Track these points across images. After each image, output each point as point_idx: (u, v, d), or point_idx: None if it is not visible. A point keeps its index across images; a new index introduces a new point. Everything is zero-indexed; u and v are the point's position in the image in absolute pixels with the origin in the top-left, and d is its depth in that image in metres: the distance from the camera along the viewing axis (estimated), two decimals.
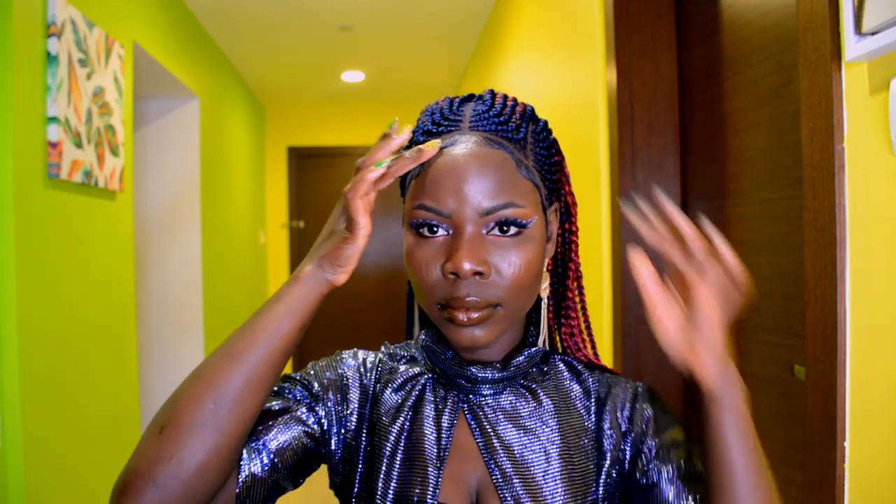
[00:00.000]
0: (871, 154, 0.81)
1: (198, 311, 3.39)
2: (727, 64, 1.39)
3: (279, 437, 0.64)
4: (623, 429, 0.67)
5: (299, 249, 5.51)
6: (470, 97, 0.68)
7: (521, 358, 0.68)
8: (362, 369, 0.73)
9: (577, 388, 0.70)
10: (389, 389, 0.71)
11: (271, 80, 4.68)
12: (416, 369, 0.72)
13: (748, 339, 1.33)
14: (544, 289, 0.69)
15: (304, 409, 0.67)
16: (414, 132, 0.68)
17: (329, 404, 0.69)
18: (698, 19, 1.52)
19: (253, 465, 0.62)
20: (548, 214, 0.68)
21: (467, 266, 0.59)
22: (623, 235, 1.60)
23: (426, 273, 0.62)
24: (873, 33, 0.77)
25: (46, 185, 1.82)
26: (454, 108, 0.67)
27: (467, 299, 0.60)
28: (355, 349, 0.76)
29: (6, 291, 1.65)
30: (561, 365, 0.72)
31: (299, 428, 0.66)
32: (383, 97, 5.20)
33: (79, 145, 1.95)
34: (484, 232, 0.61)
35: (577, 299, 0.74)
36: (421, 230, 0.63)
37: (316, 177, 5.52)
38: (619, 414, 0.68)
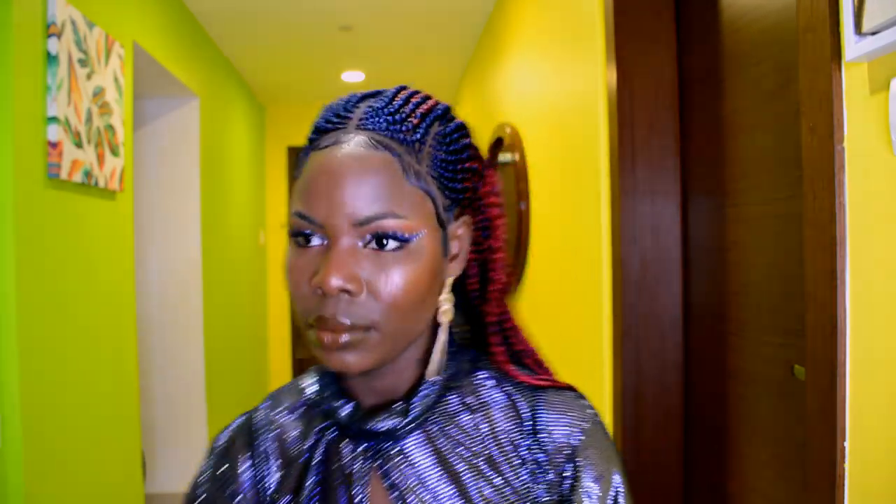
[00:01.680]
0: (871, 154, 0.81)
1: (198, 310, 3.39)
2: (727, 64, 1.39)
3: None
4: (561, 469, 0.60)
5: None
6: (376, 93, 0.61)
7: (418, 399, 0.60)
8: (223, 470, 0.65)
9: (508, 411, 0.63)
10: (277, 462, 0.63)
11: (271, 80, 4.68)
12: (315, 426, 0.64)
13: (748, 339, 1.33)
14: (445, 311, 0.61)
15: None
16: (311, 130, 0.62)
17: None
18: (698, 19, 1.52)
19: None
20: (449, 229, 0.60)
21: (334, 282, 0.52)
22: (623, 235, 1.61)
23: (297, 287, 0.56)
24: (873, 33, 0.77)
25: (46, 185, 1.82)
26: (350, 104, 0.59)
27: (334, 320, 0.54)
28: (210, 456, 0.67)
29: (6, 291, 1.65)
30: (487, 383, 0.64)
31: None
32: None
33: (79, 145, 1.95)
34: (360, 245, 0.55)
35: (505, 319, 0.66)
36: (297, 239, 0.56)
37: None
38: (558, 449, 0.61)
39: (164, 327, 3.39)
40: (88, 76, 2.02)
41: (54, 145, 1.81)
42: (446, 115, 0.61)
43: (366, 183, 0.54)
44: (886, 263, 0.79)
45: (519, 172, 2.63)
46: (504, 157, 2.88)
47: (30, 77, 1.73)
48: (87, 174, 2.01)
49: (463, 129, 0.62)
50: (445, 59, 4.31)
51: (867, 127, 0.81)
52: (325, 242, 0.55)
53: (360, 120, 0.57)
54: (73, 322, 1.98)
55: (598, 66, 1.75)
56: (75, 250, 2.01)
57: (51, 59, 1.80)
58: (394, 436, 0.60)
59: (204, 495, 0.64)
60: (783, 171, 1.18)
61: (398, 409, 0.60)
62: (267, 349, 5.37)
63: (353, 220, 0.54)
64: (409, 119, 0.57)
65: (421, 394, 0.60)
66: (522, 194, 2.60)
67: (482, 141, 4.05)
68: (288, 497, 0.61)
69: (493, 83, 3.48)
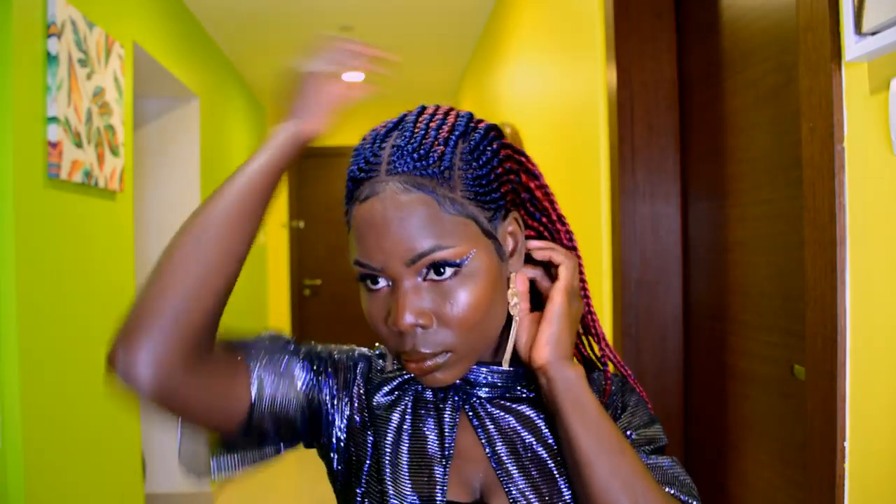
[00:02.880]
0: (871, 154, 0.81)
1: None
2: (727, 64, 1.39)
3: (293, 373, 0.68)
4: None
5: (299, 249, 5.51)
6: (397, 124, 0.64)
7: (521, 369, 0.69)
8: (365, 367, 0.74)
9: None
10: (384, 390, 0.71)
11: (271, 80, 4.68)
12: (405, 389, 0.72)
13: (748, 339, 1.33)
14: (514, 305, 0.65)
15: (323, 379, 0.70)
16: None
17: (336, 387, 0.71)
18: (698, 19, 1.52)
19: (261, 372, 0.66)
20: (499, 233, 0.64)
21: (407, 321, 0.59)
22: (623, 235, 1.61)
23: (378, 326, 0.63)
24: (873, 33, 0.77)
25: (46, 185, 1.82)
26: (376, 146, 0.62)
27: (415, 352, 0.60)
28: (359, 348, 0.76)
29: (6, 291, 1.65)
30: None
31: (308, 384, 0.69)
32: (383, 97, 5.19)
33: (79, 145, 1.95)
34: (420, 280, 0.60)
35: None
36: (366, 282, 0.62)
37: (316, 177, 5.53)
38: (606, 406, 0.70)
39: None
40: (88, 76, 2.02)
41: (54, 145, 1.81)
42: (468, 126, 0.63)
43: (408, 225, 0.58)
44: (886, 263, 0.79)
45: None
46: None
47: (30, 77, 1.73)
48: (87, 174, 2.01)
49: (489, 135, 0.64)
50: (445, 59, 4.31)
51: (867, 127, 0.81)
52: (390, 283, 0.61)
53: (389, 164, 0.60)
54: (73, 322, 1.98)
55: (598, 66, 1.75)
56: (75, 250, 2.01)
57: (51, 59, 1.80)
58: (487, 387, 0.68)
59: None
60: (783, 171, 1.18)
61: (496, 368, 0.67)
62: None
63: (406, 262, 0.59)
64: (434, 150, 0.60)
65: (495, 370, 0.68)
66: None
67: None
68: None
69: (493, 83, 3.48)
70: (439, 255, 0.58)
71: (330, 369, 0.71)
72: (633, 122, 1.60)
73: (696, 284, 1.57)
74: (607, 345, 0.73)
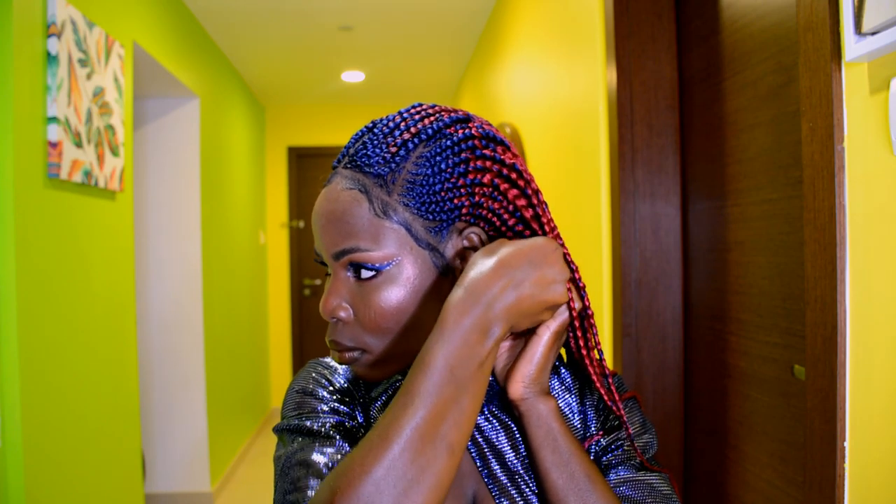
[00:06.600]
0: (871, 154, 0.81)
1: (198, 310, 3.40)
2: (727, 64, 1.39)
3: None
4: (600, 424, 0.68)
5: (299, 249, 5.51)
6: (382, 121, 0.62)
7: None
8: (346, 387, 0.68)
9: (569, 396, 0.69)
10: (379, 402, 0.67)
11: (271, 80, 4.68)
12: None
13: (748, 339, 1.33)
14: None
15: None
16: None
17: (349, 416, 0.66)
18: (698, 19, 1.52)
19: None
20: (445, 246, 0.60)
21: (324, 311, 0.60)
22: (623, 235, 1.61)
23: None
24: (873, 33, 0.77)
25: (46, 185, 1.82)
26: (355, 138, 0.63)
27: (333, 342, 0.61)
28: (318, 375, 0.68)
29: (6, 291, 1.65)
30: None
31: None
32: (383, 97, 5.20)
33: (79, 145, 1.95)
34: (348, 274, 0.60)
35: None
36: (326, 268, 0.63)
37: (316, 177, 5.53)
38: (597, 409, 0.68)
39: (165, 327, 3.39)
40: (88, 76, 2.02)
41: (54, 145, 1.81)
42: (440, 132, 0.59)
43: (335, 220, 0.59)
44: (886, 263, 0.79)
45: None
46: None
47: (30, 77, 1.73)
48: (87, 174, 2.02)
49: (461, 144, 0.59)
50: (445, 59, 4.31)
51: (867, 127, 0.81)
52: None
53: (349, 157, 0.61)
54: (73, 322, 1.98)
55: (598, 66, 1.75)
56: (75, 251, 2.01)
57: (51, 59, 1.80)
58: None
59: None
60: (783, 171, 1.18)
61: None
62: (267, 349, 5.37)
63: (332, 255, 0.60)
64: (387, 150, 0.59)
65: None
66: None
67: None
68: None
69: (493, 83, 3.48)
70: (357, 255, 0.58)
71: (342, 416, 0.65)
72: (633, 122, 1.60)
73: (696, 284, 1.57)
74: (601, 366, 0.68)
